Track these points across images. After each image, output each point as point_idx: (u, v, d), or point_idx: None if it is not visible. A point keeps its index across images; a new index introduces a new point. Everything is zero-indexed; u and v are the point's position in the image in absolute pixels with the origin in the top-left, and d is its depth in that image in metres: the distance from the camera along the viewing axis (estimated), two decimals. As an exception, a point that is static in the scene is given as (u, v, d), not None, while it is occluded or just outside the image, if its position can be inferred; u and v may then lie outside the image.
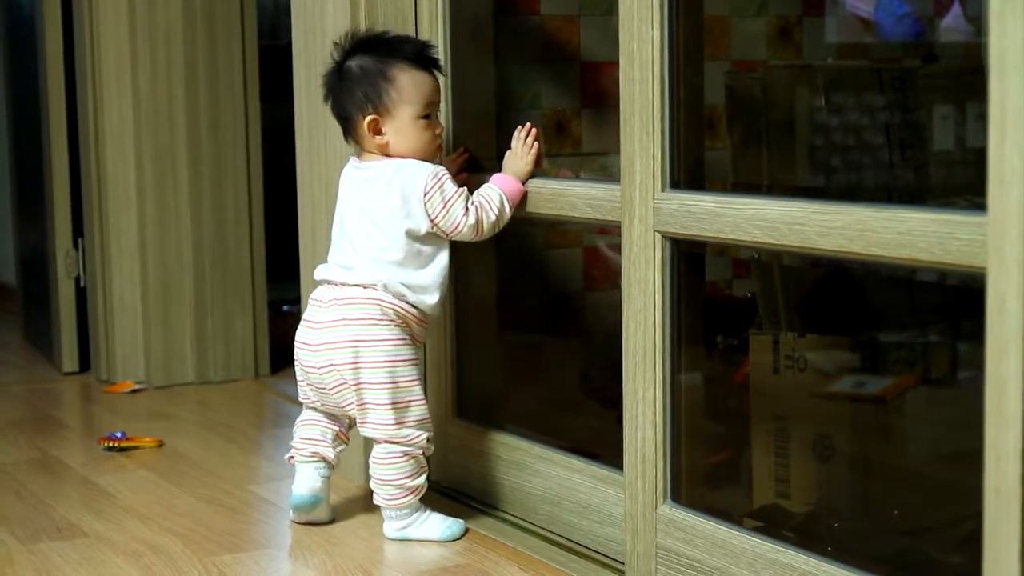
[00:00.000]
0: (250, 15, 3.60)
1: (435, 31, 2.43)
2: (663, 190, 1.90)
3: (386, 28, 2.42)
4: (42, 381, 3.72)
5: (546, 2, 2.78)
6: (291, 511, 2.32)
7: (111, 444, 2.88)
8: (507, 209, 2.22)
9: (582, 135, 2.81)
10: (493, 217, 2.21)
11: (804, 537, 2.04)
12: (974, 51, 2.67)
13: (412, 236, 2.20)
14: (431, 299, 2.23)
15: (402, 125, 2.21)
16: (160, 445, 2.93)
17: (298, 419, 2.34)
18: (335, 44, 2.27)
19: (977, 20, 2.74)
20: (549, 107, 2.78)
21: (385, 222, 2.20)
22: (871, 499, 2.17)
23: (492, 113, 2.69)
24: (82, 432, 3.15)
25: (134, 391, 3.51)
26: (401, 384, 2.20)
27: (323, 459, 2.29)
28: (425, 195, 2.18)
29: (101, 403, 3.43)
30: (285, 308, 3.92)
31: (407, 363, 2.21)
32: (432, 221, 2.19)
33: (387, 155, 2.23)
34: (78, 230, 3.72)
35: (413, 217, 2.19)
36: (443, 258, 2.24)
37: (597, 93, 2.80)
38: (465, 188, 2.22)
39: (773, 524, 2.08)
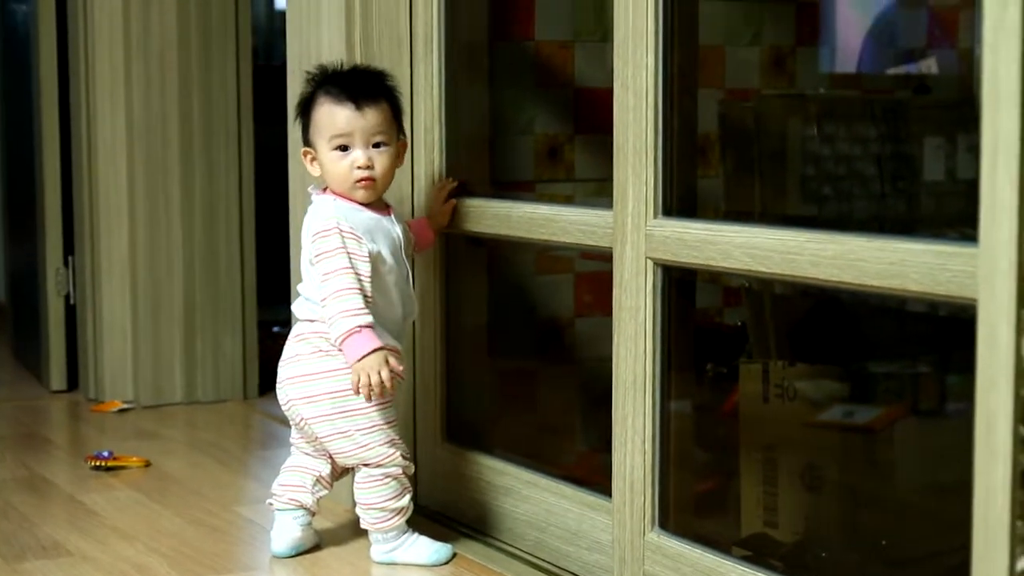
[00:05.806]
0: (244, 35, 3.60)
1: (430, 55, 2.43)
2: (655, 217, 1.90)
3: (380, 51, 2.43)
4: (30, 399, 3.71)
5: (541, 28, 2.78)
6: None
7: (98, 463, 2.87)
8: (335, 329, 2.11)
9: (575, 161, 2.81)
10: (329, 310, 2.11)
11: (792, 566, 2.03)
12: (966, 83, 2.68)
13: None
14: None
15: (322, 157, 2.20)
16: (147, 465, 2.92)
17: (283, 464, 2.33)
18: (306, 74, 2.26)
19: (969, 52, 2.75)
20: (542, 132, 2.78)
21: (304, 256, 2.21)
22: (859, 529, 2.17)
23: (486, 138, 2.69)
24: (69, 451, 3.14)
25: (122, 410, 3.50)
26: (355, 412, 2.18)
27: (301, 506, 2.27)
28: (312, 237, 2.16)
29: (89, 422, 3.41)
30: (275, 329, 3.91)
31: None
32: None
33: (326, 188, 2.23)
34: (69, 248, 3.71)
35: (306, 251, 2.18)
36: None
37: (591, 119, 2.80)
38: (354, 263, 2.12)
39: (761, 553, 2.08)
